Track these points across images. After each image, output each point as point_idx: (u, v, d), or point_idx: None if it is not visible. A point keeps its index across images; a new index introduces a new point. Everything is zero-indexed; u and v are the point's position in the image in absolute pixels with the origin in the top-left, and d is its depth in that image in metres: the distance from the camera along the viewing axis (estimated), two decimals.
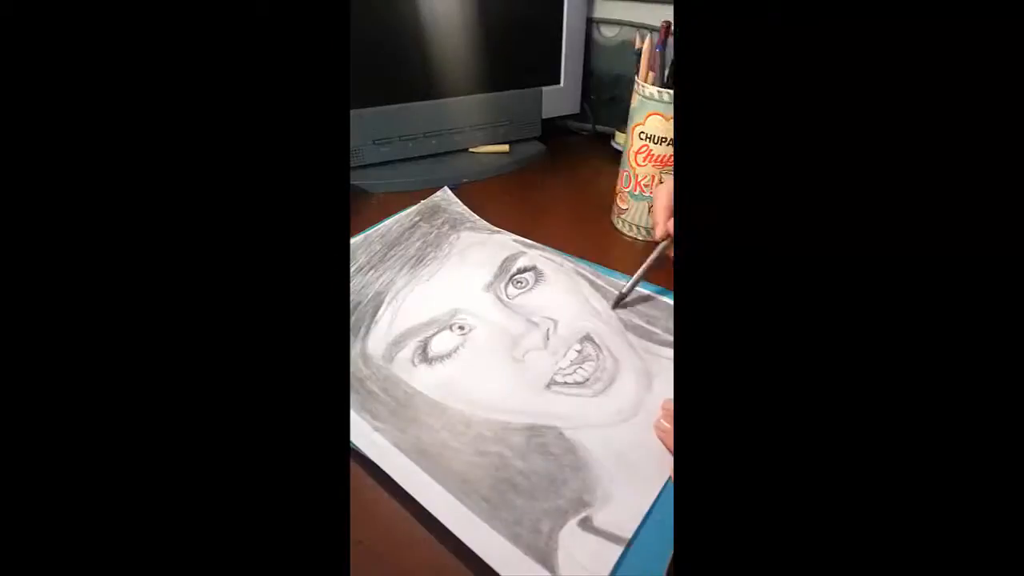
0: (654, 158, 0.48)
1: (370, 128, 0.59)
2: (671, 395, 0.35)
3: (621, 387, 0.36)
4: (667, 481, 0.30)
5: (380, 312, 0.42)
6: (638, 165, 0.49)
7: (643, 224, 0.52)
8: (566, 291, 0.44)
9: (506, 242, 0.50)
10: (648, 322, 0.41)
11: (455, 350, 0.38)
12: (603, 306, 0.43)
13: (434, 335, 0.40)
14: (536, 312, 0.41)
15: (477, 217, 0.54)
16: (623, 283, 0.43)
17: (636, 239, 0.53)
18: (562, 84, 0.65)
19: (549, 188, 0.63)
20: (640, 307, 0.43)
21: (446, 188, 0.57)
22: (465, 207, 0.55)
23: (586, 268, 0.46)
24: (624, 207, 0.53)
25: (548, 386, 0.35)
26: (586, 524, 0.27)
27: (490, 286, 0.44)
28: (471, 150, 0.67)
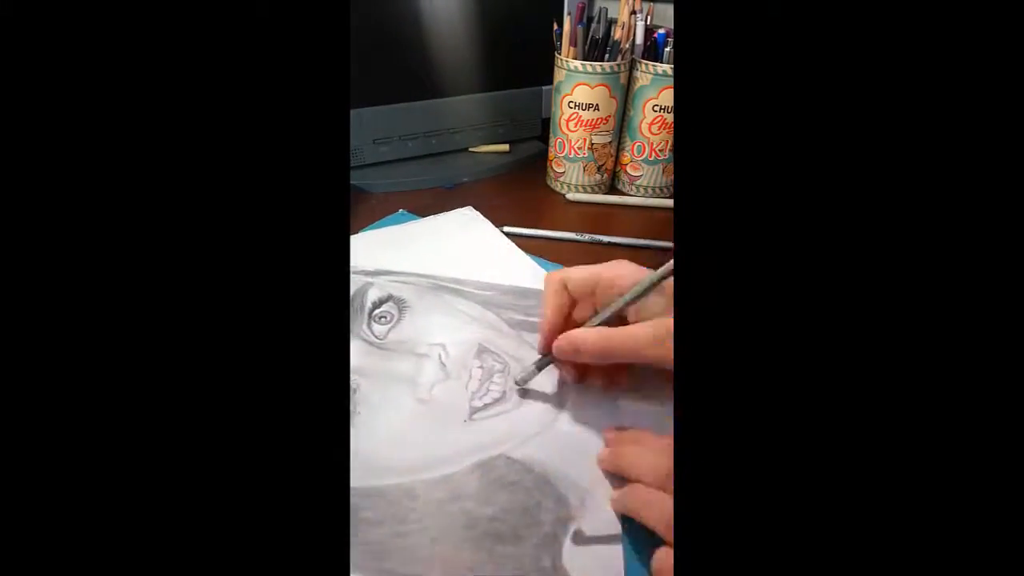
0: (584, 123, 0.54)
1: (370, 128, 0.58)
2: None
3: (537, 388, 0.34)
4: None
5: None
6: (570, 131, 0.55)
7: (577, 183, 0.58)
8: (436, 310, 0.40)
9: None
10: (526, 313, 0.39)
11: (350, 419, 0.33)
12: (477, 311, 0.40)
13: None
14: (417, 342, 0.37)
15: None
16: (486, 282, 0.42)
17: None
18: None
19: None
20: (513, 302, 0.41)
21: None
22: None
23: (447, 279, 0.43)
24: (560, 170, 0.58)
25: (471, 416, 0.32)
26: (579, 538, 0.26)
27: (351, 332, 0.38)
28: (471, 150, 0.66)
